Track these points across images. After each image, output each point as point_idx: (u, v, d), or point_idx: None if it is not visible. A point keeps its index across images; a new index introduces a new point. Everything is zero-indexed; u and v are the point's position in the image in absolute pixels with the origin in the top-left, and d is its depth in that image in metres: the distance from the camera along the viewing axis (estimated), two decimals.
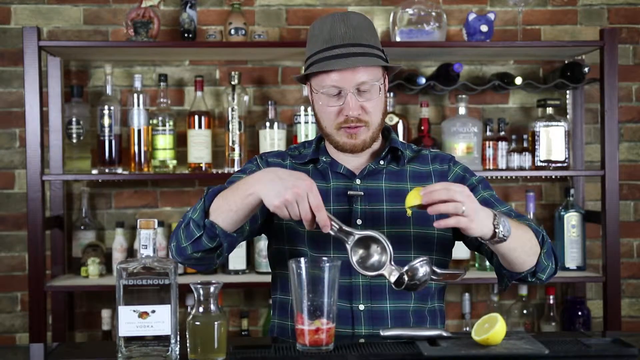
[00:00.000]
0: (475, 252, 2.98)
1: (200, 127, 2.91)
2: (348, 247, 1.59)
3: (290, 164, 1.85)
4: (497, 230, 1.57)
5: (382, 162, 1.83)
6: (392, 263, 1.57)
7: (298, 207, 1.53)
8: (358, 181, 1.80)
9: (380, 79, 1.76)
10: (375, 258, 1.59)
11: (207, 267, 1.73)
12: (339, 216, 1.71)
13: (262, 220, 1.79)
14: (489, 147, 2.97)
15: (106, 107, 2.87)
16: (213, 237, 1.60)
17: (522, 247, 1.66)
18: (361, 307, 1.75)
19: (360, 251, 1.60)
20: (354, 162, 1.83)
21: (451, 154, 2.02)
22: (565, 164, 2.95)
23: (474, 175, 1.87)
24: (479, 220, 1.54)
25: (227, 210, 1.59)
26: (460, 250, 2.89)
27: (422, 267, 1.55)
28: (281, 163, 1.84)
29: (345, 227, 1.59)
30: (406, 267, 1.55)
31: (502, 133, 3.02)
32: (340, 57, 1.70)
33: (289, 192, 1.51)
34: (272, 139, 2.92)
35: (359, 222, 1.76)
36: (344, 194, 1.78)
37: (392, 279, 1.56)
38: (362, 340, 1.64)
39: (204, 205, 1.62)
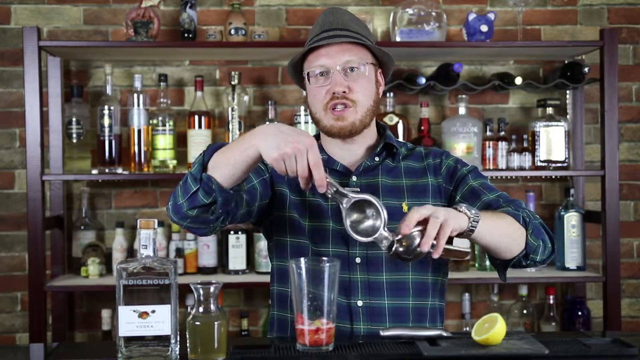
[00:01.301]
0: (475, 252, 3.00)
1: (200, 127, 2.91)
2: (343, 210, 1.56)
3: None
4: (467, 214, 1.56)
5: (377, 159, 1.84)
6: (386, 229, 1.54)
7: (296, 162, 1.50)
8: (354, 178, 1.82)
9: (370, 64, 1.79)
10: (369, 223, 1.56)
11: (202, 230, 1.67)
12: (336, 213, 1.72)
13: (261, 203, 1.78)
14: (489, 147, 2.97)
15: (106, 107, 2.87)
16: (209, 192, 1.56)
17: (502, 232, 1.65)
18: (359, 302, 1.76)
19: (355, 215, 1.56)
20: (350, 159, 1.84)
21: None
22: (565, 164, 2.95)
23: (466, 165, 1.87)
24: (455, 216, 1.54)
25: (225, 164, 1.56)
26: None
27: (417, 238, 1.51)
28: None
29: (341, 189, 1.56)
30: (399, 236, 1.51)
31: (502, 133, 3.02)
32: (327, 38, 1.76)
33: (289, 145, 1.49)
34: None
35: None
36: None
37: (384, 246, 1.53)
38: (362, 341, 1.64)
39: (202, 159, 1.59)
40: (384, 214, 1.54)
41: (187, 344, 1.47)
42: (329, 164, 1.83)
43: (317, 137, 1.90)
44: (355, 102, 1.76)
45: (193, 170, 1.58)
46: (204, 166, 1.58)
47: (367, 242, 1.57)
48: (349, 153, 1.84)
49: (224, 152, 1.57)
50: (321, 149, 1.86)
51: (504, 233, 1.66)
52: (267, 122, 2.94)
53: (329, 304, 1.50)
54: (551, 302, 3.01)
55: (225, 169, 1.55)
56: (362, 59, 1.77)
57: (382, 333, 1.60)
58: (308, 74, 1.79)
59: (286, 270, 1.78)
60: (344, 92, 1.74)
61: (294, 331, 1.55)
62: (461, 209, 1.58)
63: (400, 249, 1.52)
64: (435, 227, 1.49)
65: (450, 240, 1.57)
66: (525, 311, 3.04)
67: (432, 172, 1.85)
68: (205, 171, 1.57)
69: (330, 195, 1.56)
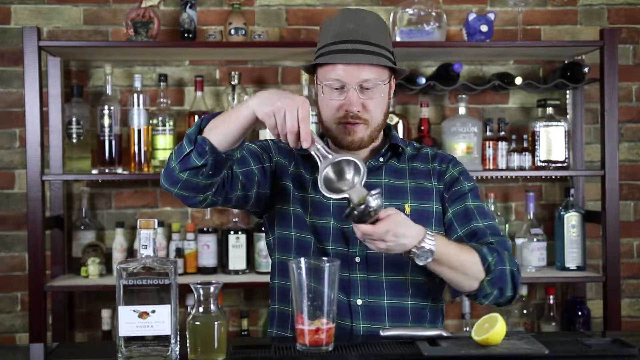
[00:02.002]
0: None
1: None
2: (321, 168, 1.58)
3: (295, 153, 1.88)
4: (411, 256, 1.61)
5: (382, 159, 1.84)
6: (362, 186, 1.56)
7: (285, 117, 1.53)
8: None
9: (386, 80, 1.77)
10: (345, 181, 1.58)
11: (192, 199, 1.68)
12: (337, 211, 1.74)
13: (259, 191, 1.79)
14: (489, 147, 2.97)
15: (106, 107, 2.87)
16: (202, 153, 1.59)
17: (458, 270, 1.68)
18: (359, 302, 1.76)
19: (331, 174, 1.59)
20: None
21: (451, 154, 2.02)
22: (565, 164, 2.95)
23: (469, 180, 1.86)
24: (400, 246, 1.59)
25: (220, 124, 1.60)
26: None
27: (373, 201, 1.53)
28: (287, 148, 1.84)
29: (325, 151, 1.59)
30: (372, 191, 1.53)
31: (502, 133, 3.02)
32: (347, 52, 1.72)
33: (281, 100, 1.54)
34: (272, 138, 2.91)
35: None
36: None
37: (353, 200, 1.54)
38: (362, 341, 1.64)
39: (200, 123, 1.63)
40: (364, 170, 1.57)
41: (187, 344, 1.47)
42: None
43: (321, 136, 1.88)
44: (367, 120, 1.76)
45: (189, 132, 1.62)
46: (201, 131, 1.62)
47: (339, 199, 1.57)
48: (354, 154, 1.84)
49: (220, 117, 1.62)
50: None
51: (462, 271, 1.68)
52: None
53: (329, 304, 1.51)
54: (551, 302, 3.01)
55: (219, 129, 1.59)
56: (380, 76, 1.75)
57: (382, 333, 1.60)
58: (323, 84, 1.77)
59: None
60: (359, 111, 1.74)
61: (294, 325, 1.55)
62: (423, 242, 1.60)
63: (355, 213, 1.54)
64: (372, 239, 1.57)
65: None
66: (525, 311, 3.04)
67: (436, 176, 1.85)
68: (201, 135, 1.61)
69: (312, 152, 1.59)
